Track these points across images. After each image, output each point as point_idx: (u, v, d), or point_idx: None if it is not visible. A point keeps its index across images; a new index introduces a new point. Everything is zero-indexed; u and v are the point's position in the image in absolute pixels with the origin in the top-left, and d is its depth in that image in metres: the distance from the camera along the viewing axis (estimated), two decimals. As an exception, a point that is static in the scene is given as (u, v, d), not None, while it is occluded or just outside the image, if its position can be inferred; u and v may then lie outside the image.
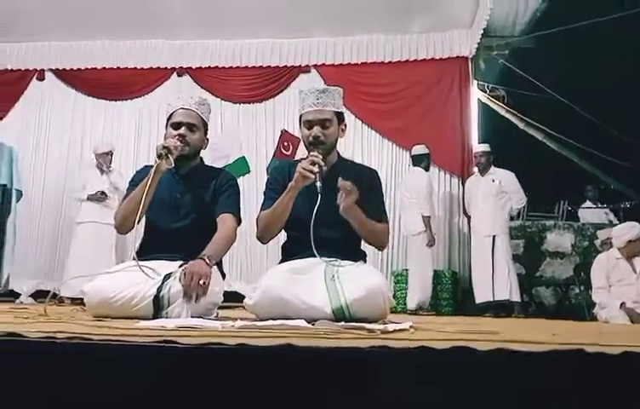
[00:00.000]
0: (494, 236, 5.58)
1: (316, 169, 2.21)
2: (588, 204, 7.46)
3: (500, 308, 5.50)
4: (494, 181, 5.74)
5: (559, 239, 6.17)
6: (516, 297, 5.46)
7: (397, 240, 6.51)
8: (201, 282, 2.09)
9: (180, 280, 2.11)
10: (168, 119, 2.56)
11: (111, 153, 6.01)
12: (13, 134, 6.89)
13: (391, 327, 1.59)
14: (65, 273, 5.84)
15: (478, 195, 5.81)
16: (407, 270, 6.05)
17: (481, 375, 0.88)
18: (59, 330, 1.16)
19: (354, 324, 1.67)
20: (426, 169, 5.92)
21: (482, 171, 5.85)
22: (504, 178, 5.75)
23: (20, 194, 3.27)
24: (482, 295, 5.57)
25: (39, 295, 6.37)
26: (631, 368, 0.89)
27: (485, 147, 5.90)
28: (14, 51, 7.23)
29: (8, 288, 5.13)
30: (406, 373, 0.90)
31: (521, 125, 7.49)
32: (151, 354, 0.96)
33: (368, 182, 2.46)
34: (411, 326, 1.78)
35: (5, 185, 3.08)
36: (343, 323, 1.78)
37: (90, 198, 5.78)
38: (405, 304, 5.87)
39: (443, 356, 0.91)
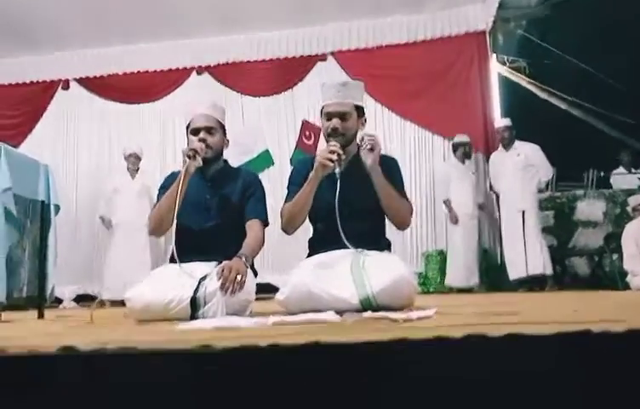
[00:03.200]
0: (523, 211, 5.56)
1: (334, 157, 2.28)
2: (621, 169, 7.31)
3: (534, 282, 5.51)
4: (519, 155, 5.71)
5: (590, 208, 6.08)
6: (549, 270, 5.46)
7: (426, 222, 6.57)
8: (238, 278, 2.22)
9: (217, 275, 2.21)
10: (187, 127, 2.65)
11: (136, 156, 6.23)
12: (43, 145, 7.21)
13: (414, 315, 1.66)
14: (104, 276, 6.12)
15: (504, 171, 5.79)
16: (440, 251, 6.21)
17: (493, 362, 0.96)
18: (107, 340, 1.27)
19: (379, 314, 1.75)
20: (466, 157, 6.11)
21: (507, 146, 5.82)
22: (529, 152, 5.72)
23: (57, 209, 3.42)
24: (514, 270, 5.58)
25: (81, 299, 6.71)
26: (636, 346, 0.95)
27: (507, 122, 5.87)
28: (38, 64, 7.45)
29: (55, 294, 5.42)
30: (425, 364, 0.98)
31: (543, 95, 7.38)
32: (191, 359, 1.06)
33: (388, 171, 2.52)
34: (435, 313, 1.85)
35: (43, 201, 3.23)
36: (369, 313, 1.86)
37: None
38: (438, 283, 6.07)
39: (457, 345, 0.99)
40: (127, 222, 6.04)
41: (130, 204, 6.07)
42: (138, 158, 6.27)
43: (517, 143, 5.81)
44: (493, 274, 6.15)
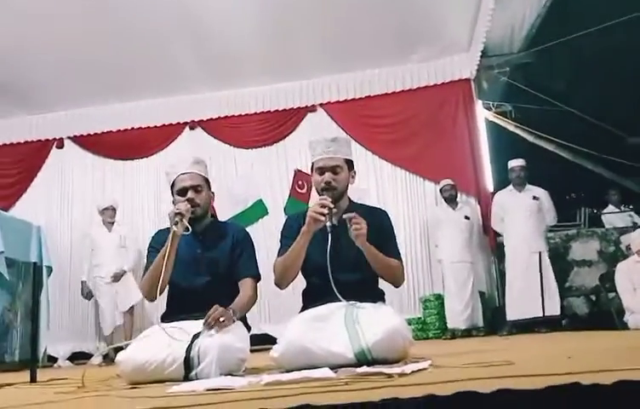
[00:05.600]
0: (540, 252, 5.58)
1: (326, 211, 2.30)
2: (611, 208, 7.39)
3: (534, 324, 5.50)
4: (535, 198, 5.76)
5: (584, 247, 6.12)
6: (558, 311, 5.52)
7: (422, 267, 6.59)
8: (221, 318, 2.25)
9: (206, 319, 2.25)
10: (172, 187, 2.65)
11: (112, 208, 6.38)
12: (37, 204, 7.25)
13: (409, 369, 1.65)
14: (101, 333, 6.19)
15: (515, 211, 5.78)
16: (437, 295, 6.23)
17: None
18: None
19: (373, 370, 1.73)
20: (451, 200, 6.18)
21: (520, 187, 5.86)
22: (542, 195, 5.81)
23: (50, 270, 3.42)
24: (518, 311, 5.55)
25: (75, 357, 6.61)
26: (626, 398, 0.95)
27: (522, 162, 5.90)
28: (32, 123, 7.53)
29: (47, 354, 5.37)
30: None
31: (530, 138, 7.51)
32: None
33: (380, 224, 2.55)
34: (430, 365, 1.84)
35: (35, 262, 3.23)
36: (364, 368, 1.84)
37: (115, 278, 6.17)
38: (437, 329, 6.07)
39: (448, 402, 0.98)
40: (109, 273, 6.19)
41: (110, 257, 6.23)
42: (114, 211, 6.42)
43: (529, 185, 5.87)
44: (492, 317, 6.14)
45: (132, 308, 6.19)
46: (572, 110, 7.10)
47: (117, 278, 6.14)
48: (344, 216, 2.33)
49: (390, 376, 1.56)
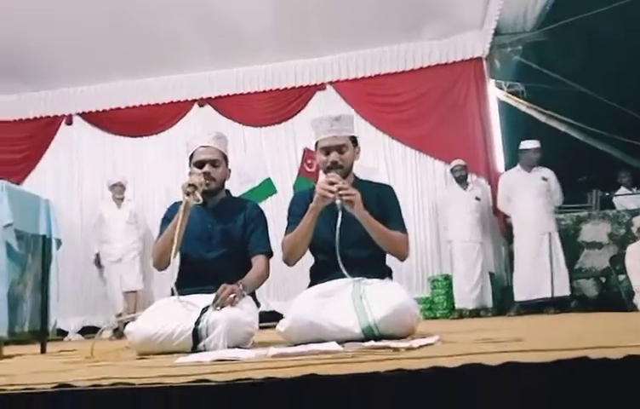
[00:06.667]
0: (549, 233, 5.57)
1: (334, 188, 2.29)
2: (623, 190, 7.31)
3: (543, 305, 5.49)
4: (544, 178, 5.72)
5: (595, 229, 6.08)
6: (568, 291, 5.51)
7: (430, 247, 6.57)
8: (232, 295, 2.27)
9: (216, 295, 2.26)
10: (190, 158, 2.66)
11: (121, 185, 6.45)
12: (47, 179, 7.31)
13: (416, 343, 1.65)
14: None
15: (524, 192, 5.73)
16: (445, 275, 6.22)
17: (491, 391, 0.94)
18: (104, 376, 1.26)
19: (380, 344, 1.73)
20: (461, 181, 6.16)
21: (531, 168, 5.80)
22: (550, 176, 5.77)
23: (59, 243, 3.44)
24: (526, 292, 5.54)
25: (85, 331, 6.71)
26: (636, 372, 0.94)
27: (537, 144, 5.84)
28: (41, 100, 7.55)
29: (57, 327, 5.47)
30: (420, 394, 0.97)
31: (542, 119, 7.41)
32: (187, 394, 1.05)
33: (384, 197, 2.54)
34: (438, 340, 1.84)
35: (45, 236, 3.25)
36: (371, 342, 1.84)
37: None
38: (444, 309, 6.07)
39: (454, 374, 0.98)
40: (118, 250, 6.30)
41: (120, 233, 6.33)
42: (123, 187, 6.46)
43: (538, 167, 5.82)
44: (500, 297, 6.14)
45: (135, 291, 6.29)
46: (585, 90, 6.98)
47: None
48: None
49: (397, 349, 1.55)
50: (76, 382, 1.17)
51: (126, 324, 2.39)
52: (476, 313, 5.80)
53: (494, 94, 7.04)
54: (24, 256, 3.11)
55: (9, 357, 2.89)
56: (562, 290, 5.45)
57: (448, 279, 6.16)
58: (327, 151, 2.48)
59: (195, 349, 2.16)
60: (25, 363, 2.36)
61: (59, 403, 1.14)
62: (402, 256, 2.50)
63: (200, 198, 2.46)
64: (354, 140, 2.55)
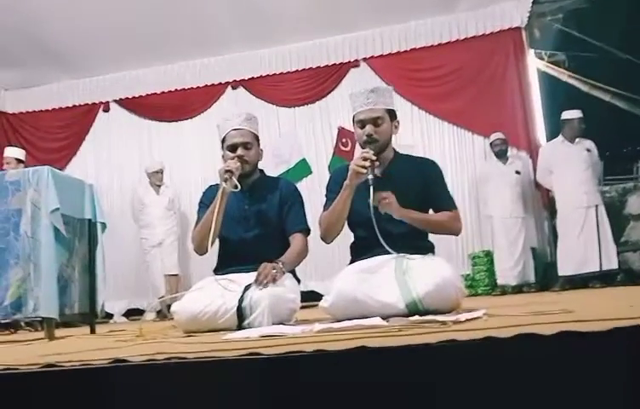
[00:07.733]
0: (596, 205, 5.42)
1: (367, 164, 2.27)
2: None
3: (588, 279, 5.38)
4: (588, 150, 5.54)
5: (642, 201, 5.87)
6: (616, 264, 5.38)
7: (470, 223, 6.45)
8: (273, 272, 2.29)
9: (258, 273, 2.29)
10: (223, 141, 2.68)
11: (159, 170, 6.54)
12: (87, 165, 7.48)
13: (463, 317, 1.63)
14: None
15: (568, 165, 5.55)
16: (487, 251, 6.12)
17: (545, 361, 0.92)
18: (157, 351, 1.29)
19: (426, 318, 1.72)
20: (501, 155, 6.01)
21: (574, 139, 5.62)
22: (592, 148, 5.60)
23: (104, 226, 3.53)
24: (572, 266, 5.42)
25: (130, 313, 6.91)
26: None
27: (579, 114, 5.65)
28: (79, 88, 7.70)
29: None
30: (474, 365, 0.95)
31: (585, 88, 7.15)
32: (240, 367, 1.06)
33: (428, 174, 2.50)
34: (485, 313, 1.81)
35: (90, 220, 3.34)
36: (416, 317, 1.83)
37: None
38: (486, 286, 5.98)
39: (508, 345, 0.96)
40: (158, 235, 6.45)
41: (159, 219, 6.48)
42: (159, 173, 6.59)
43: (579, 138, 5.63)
44: (543, 273, 6.01)
45: (176, 275, 6.42)
46: (629, 57, 6.68)
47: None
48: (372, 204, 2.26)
49: (444, 323, 1.54)
50: (131, 357, 1.21)
51: (169, 305, 2.45)
52: (518, 290, 5.69)
53: (534, 64, 6.79)
54: (71, 239, 3.20)
55: (62, 338, 3.00)
56: (610, 263, 5.31)
57: (489, 256, 6.05)
58: (362, 124, 2.45)
59: (240, 327, 2.19)
60: (78, 342, 2.44)
61: (115, 377, 1.17)
62: (455, 233, 2.53)
63: (237, 184, 2.47)
64: (392, 113, 2.50)
